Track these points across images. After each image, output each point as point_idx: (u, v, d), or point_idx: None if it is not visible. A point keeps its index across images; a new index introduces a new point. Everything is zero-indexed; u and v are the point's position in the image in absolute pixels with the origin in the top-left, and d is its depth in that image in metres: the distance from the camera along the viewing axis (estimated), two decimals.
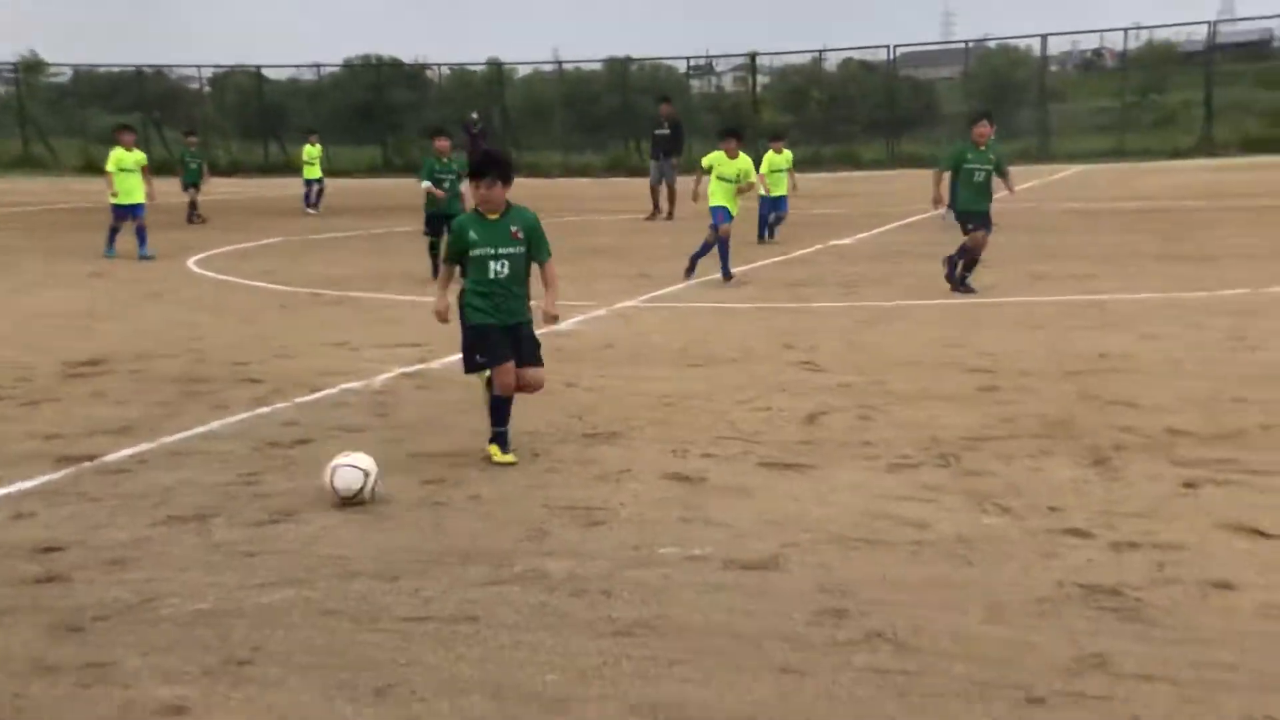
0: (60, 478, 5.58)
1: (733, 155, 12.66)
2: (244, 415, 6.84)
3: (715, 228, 12.40)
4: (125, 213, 15.21)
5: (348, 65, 50.20)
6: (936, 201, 11.97)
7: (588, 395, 7.32)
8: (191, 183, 21.56)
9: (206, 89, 48.92)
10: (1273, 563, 4.31)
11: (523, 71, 50.17)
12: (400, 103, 46.70)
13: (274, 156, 44.33)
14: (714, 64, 49.16)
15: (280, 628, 3.86)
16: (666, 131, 22.25)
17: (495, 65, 48.07)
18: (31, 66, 43.15)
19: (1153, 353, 8.27)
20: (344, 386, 7.58)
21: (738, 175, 12.59)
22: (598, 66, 47.73)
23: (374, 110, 45.10)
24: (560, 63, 48.68)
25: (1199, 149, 37.36)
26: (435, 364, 8.29)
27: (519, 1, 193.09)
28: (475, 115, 31.34)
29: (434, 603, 4.07)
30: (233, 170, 40.24)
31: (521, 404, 6.09)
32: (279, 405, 7.08)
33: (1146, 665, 3.48)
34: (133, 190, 15.17)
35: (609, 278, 13.21)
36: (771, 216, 17.05)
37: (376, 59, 49.98)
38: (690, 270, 12.64)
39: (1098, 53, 49.04)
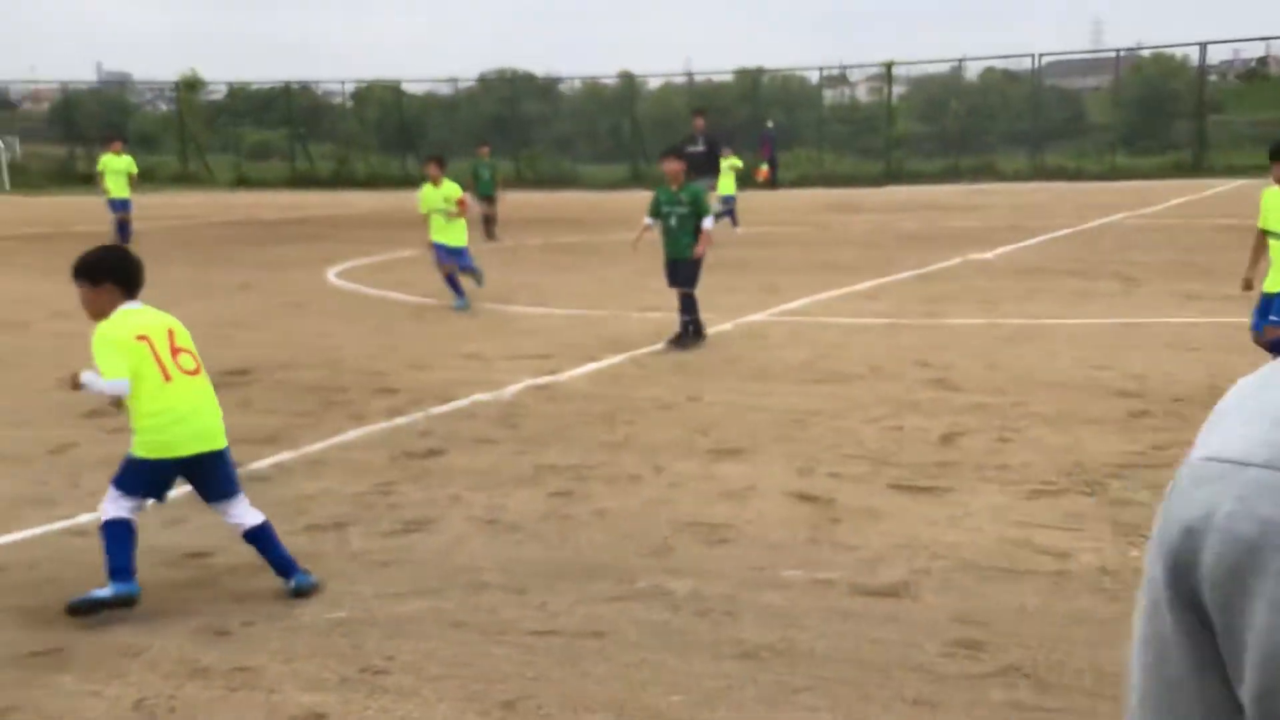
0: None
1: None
2: (380, 425, 7.04)
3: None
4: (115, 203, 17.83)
5: (482, 79, 51.39)
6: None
7: (712, 410, 7.31)
8: (485, 195, 20.48)
9: (349, 103, 50.66)
10: None
11: (654, 84, 50.50)
12: (532, 115, 47.56)
13: (412, 169, 45.63)
14: (848, 74, 48.57)
15: (413, 638, 3.95)
16: (700, 149, 19.71)
17: (627, 77, 48.52)
18: (190, 85, 45.37)
19: None
20: (475, 398, 7.74)
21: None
22: (729, 77, 47.70)
23: (507, 123, 46.01)
24: (691, 74, 48.80)
25: None
26: (563, 376, 8.40)
27: (651, 13, 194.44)
28: (771, 124, 35.88)
29: (560, 617, 4.11)
30: (371, 183, 41.58)
31: (645, 418, 6.12)
32: (413, 415, 7.26)
33: None
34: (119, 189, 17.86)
35: (734, 291, 13.17)
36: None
37: (510, 73, 51.01)
38: None
39: (1263, 61, 46.61)
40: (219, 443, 4.34)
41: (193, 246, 18.90)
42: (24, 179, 38.81)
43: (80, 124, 45.80)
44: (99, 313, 4.36)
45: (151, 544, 4.91)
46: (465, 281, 12.24)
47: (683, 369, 8.69)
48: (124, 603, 4.13)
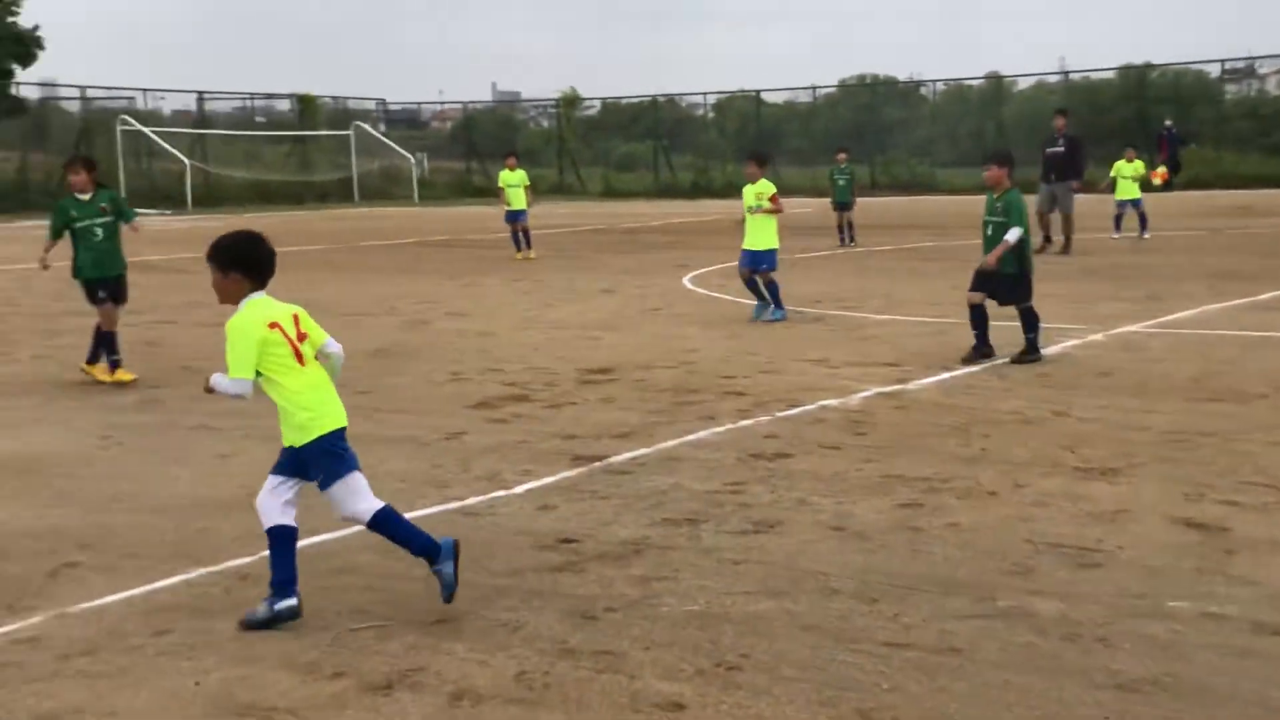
0: (575, 475, 6.19)
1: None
2: (729, 426, 7.16)
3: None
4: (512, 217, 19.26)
5: (842, 85, 51.18)
6: None
7: (1081, 426, 6.82)
8: (842, 201, 20.41)
9: (710, 114, 52.16)
10: None
11: (1023, 84, 48.05)
12: (891, 121, 46.75)
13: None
14: (1256, 65, 43.73)
15: (765, 637, 3.97)
16: (1060, 149, 18.64)
17: (995, 79, 46.53)
18: (569, 101, 48.57)
19: None
20: (822, 403, 7.68)
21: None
22: (1110, 74, 44.45)
23: (865, 129, 45.51)
24: (1067, 73, 45.94)
25: None
26: (912, 385, 8.16)
27: (1023, 10, 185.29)
28: (1170, 124, 35.92)
29: (915, 630, 3.98)
30: (728, 192, 42.58)
31: (1003, 431, 5.79)
32: (761, 419, 7.33)
33: None
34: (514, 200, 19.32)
35: (1108, 300, 12.24)
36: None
37: (871, 78, 50.44)
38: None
39: None
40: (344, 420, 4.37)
41: (565, 253, 20.20)
42: (430, 192, 43.12)
43: (477, 141, 50.31)
44: (227, 299, 4.34)
45: (527, 527, 5.28)
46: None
47: (1048, 381, 8.17)
48: (290, 617, 4.14)
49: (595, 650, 3.92)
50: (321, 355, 4.45)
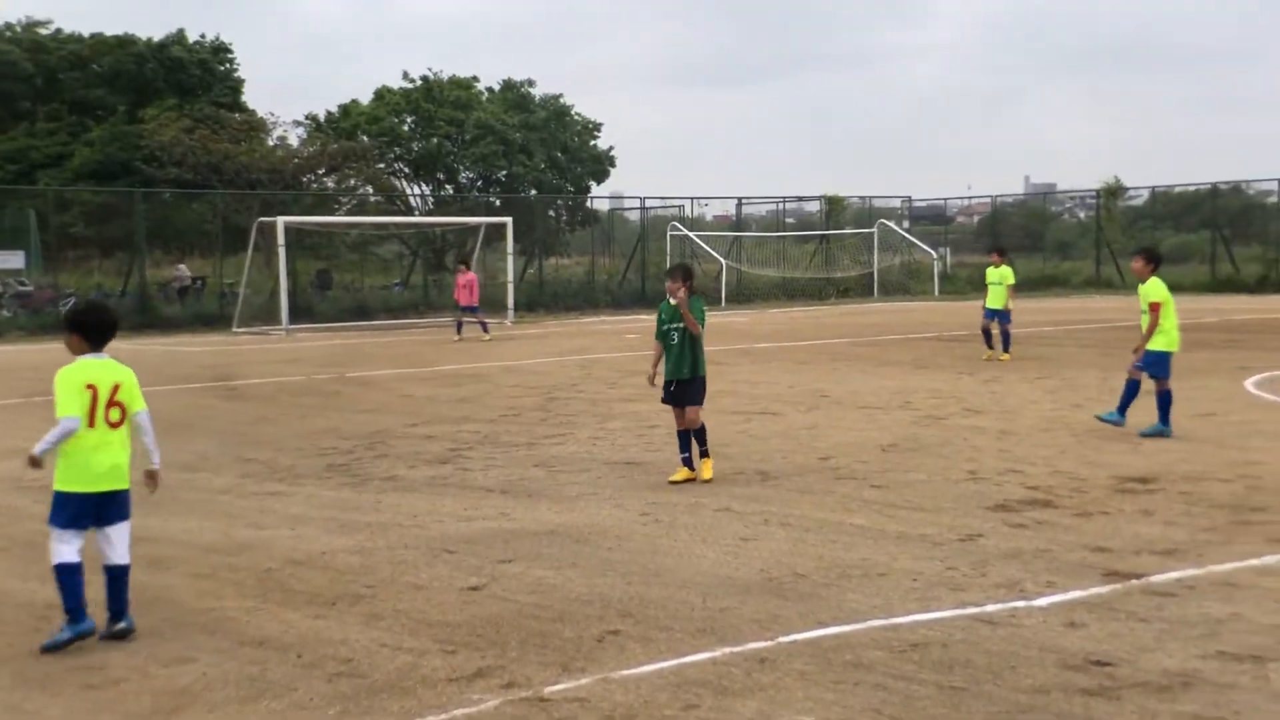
0: (1108, 592, 5.66)
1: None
2: None
3: None
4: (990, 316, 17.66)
5: None
6: None
7: None
8: None
9: None
10: None
11: None
12: None
13: None
14: None
15: None
16: None
17: None
18: (1111, 192, 45.85)
19: None
20: None
21: None
22: None
23: None
24: None
25: None
26: None
27: None
28: None
29: None
30: None
31: None
32: None
33: None
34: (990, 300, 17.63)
35: None
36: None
37: None
38: None
39: None
40: (122, 483, 5.29)
41: (1099, 349, 18.86)
42: (951, 285, 42.67)
43: (1003, 233, 49.10)
44: (70, 353, 5.37)
45: (1053, 644, 4.90)
46: None
47: None
48: (82, 637, 5.08)
49: None
50: (134, 422, 5.38)
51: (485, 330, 24.37)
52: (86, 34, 47.59)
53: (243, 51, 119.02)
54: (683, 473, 8.78)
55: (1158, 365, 10.38)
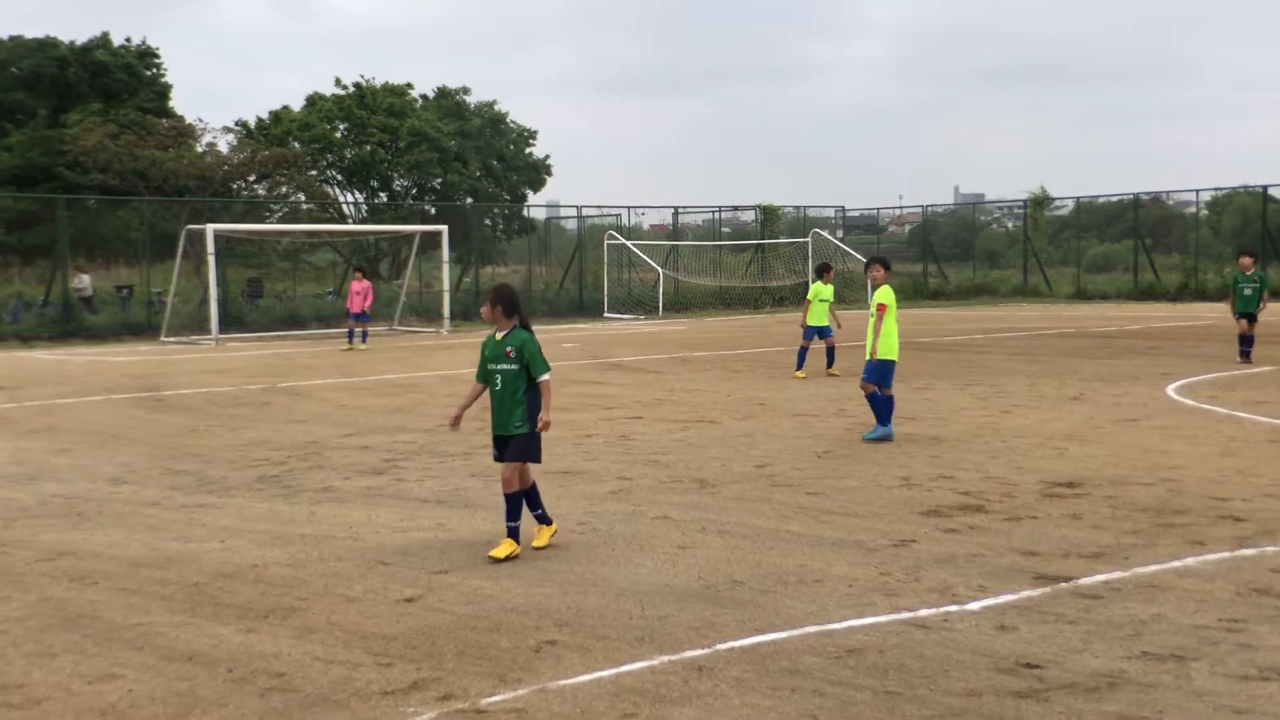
0: (1038, 595, 5.77)
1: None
2: (1224, 555, 6.36)
3: None
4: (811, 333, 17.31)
5: None
6: None
7: None
8: (1243, 312, 17.52)
9: (1203, 212, 47.81)
10: None
11: None
12: None
13: (1276, 277, 41.25)
14: None
15: None
16: None
17: None
18: (1038, 202, 46.83)
19: None
20: None
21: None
22: None
23: None
24: None
25: None
26: None
27: None
28: None
29: None
30: (1225, 295, 38.53)
31: None
32: (1267, 549, 6.43)
33: None
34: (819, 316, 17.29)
35: None
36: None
37: None
38: None
39: None
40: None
41: (1027, 356, 19.24)
42: None
43: (935, 243, 49.88)
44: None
45: (985, 647, 4.98)
46: None
47: None
48: None
49: None
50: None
51: (363, 340, 24.34)
52: (4, 36, 46.41)
53: (170, 56, 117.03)
54: (507, 545, 6.78)
55: (881, 372, 11.06)
